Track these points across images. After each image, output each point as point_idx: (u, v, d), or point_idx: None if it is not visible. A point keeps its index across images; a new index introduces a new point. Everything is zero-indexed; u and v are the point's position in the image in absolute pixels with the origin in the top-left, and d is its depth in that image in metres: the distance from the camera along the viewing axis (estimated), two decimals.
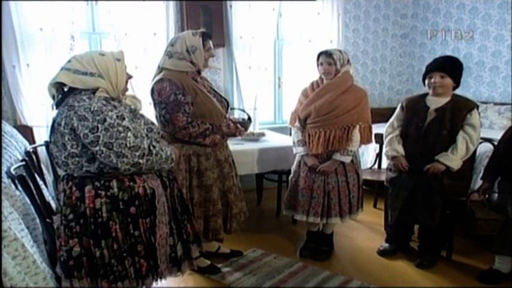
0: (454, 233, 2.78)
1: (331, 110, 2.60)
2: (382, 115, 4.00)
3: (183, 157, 2.37)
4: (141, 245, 1.74)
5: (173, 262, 1.86)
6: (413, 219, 2.68)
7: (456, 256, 2.80)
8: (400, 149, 2.63)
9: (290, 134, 2.90)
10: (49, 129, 1.78)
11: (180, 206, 1.96)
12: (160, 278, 1.83)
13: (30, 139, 3.17)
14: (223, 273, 2.61)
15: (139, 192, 1.73)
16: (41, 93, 3.21)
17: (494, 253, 2.49)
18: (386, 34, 5.01)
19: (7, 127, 2.53)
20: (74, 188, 1.69)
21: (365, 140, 2.68)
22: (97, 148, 1.58)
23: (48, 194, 2.27)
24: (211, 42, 2.43)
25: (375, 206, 3.80)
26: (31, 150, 2.49)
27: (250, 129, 3.24)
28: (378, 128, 3.21)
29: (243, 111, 3.48)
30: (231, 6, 3.98)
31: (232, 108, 3.95)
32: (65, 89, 1.72)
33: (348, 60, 2.66)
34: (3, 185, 1.69)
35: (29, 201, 1.83)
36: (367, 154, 4.09)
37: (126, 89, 1.84)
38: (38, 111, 3.33)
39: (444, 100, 2.53)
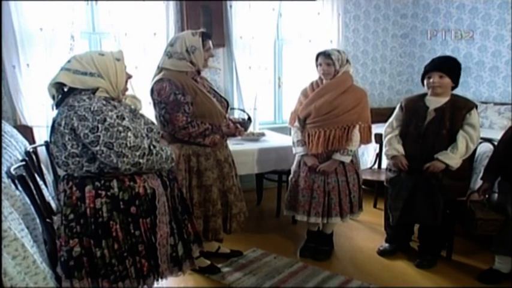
0: (454, 233, 2.78)
1: (331, 109, 2.60)
2: (382, 115, 3.99)
3: (182, 157, 2.37)
4: (142, 244, 1.74)
5: (174, 262, 1.86)
6: (415, 219, 2.68)
7: (456, 256, 2.80)
8: (400, 148, 2.63)
9: (290, 134, 2.90)
10: (49, 129, 1.78)
11: (181, 205, 1.96)
12: (161, 278, 1.83)
13: (30, 139, 3.17)
14: (223, 273, 2.61)
15: (140, 192, 1.73)
16: (41, 93, 3.21)
17: (494, 253, 2.49)
18: (386, 34, 5.01)
19: (7, 127, 2.53)
20: (74, 188, 1.69)
21: (365, 139, 2.68)
22: (97, 148, 1.58)
23: (48, 194, 2.27)
24: (210, 42, 2.43)
25: (375, 206, 3.80)
26: (31, 150, 2.49)
27: (250, 129, 3.24)
28: (377, 128, 3.21)
29: (243, 111, 3.48)
30: (231, 6, 3.98)
31: (232, 108, 3.95)
32: (65, 89, 1.72)
33: (347, 60, 2.66)
34: (3, 185, 1.69)
35: (29, 201, 1.83)
36: (367, 154, 4.09)
37: (126, 89, 1.84)
38: (38, 111, 3.33)
39: (443, 100, 2.54)
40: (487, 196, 2.60)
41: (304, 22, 4.28)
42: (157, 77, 2.36)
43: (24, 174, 1.86)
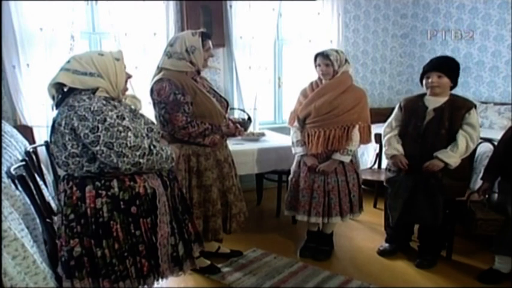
0: (454, 233, 2.78)
1: (330, 109, 2.60)
2: (382, 115, 3.99)
3: (182, 157, 2.37)
4: (143, 244, 1.74)
5: (175, 262, 1.86)
6: (415, 219, 2.68)
7: (456, 256, 2.80)
8: (400, 148, 2.63)
9: (290, 134, 2.90)
10: (49, 129, 1.78)
11: (181, 205, 1.96)
12: (162, 278, 1.83)
13: (30, 139, 3.17)
14: (223, 273, 2.61)
15: (140, 191, 1.73)
16: (41, 93, 3.21)
17: (494, 253, 2.49)
18: (386, 34, 5.01)
19: (7, 127, 2.53)
20: (74, 188, 1.69)
21: (364, 139, 2.68)
22: (97, 148, 1.58)
23: (48, 194, 2.27)
24: (210, 42, 2.43)
25: (375, 206, 3.80)
26: (31, 150, 2.49)
27: (250, 129, 3.24)
28: (378, 128, 3.21)
29: (243, 111, 3.48)
30: (231, 6, 3.98)
31: (232, 108, 3.95)
32: (65, 89, 1.72)
33: (346, 60, 2.66)
34: (3, 185, 1.70)
35: (29, 201, 1.83)
36: (367, 154, 4.09)
37: (126, 89, 1.84)
38: (38, 111, 3.33)
39: (442, 100, 2.54)
40: (487, 196, 2.60)
41: (304, 22, 4.28)
42: (157, 77, 2.36)
43: (24, 174, 1.86)
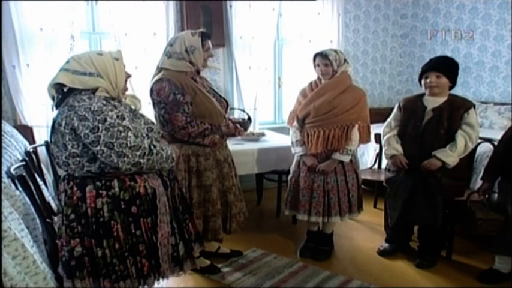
0: (454, 233, 2.78)
1: (330, 109, 2.60)
2: (382, 115, 3.99)
3: (182, 157, 2.37)
4: (143, 244, 1.74)
5: (175, 261, 1.86)
6: (415, 220, 2.68)
7: (456, 256, 2.80)
8: (399, 148, 2.64)
9: (289, 134, 2.90)
10: (49, 129, 1.78)
11: (181, 205, 1.96)
12: (163, 278, 1.83)
13: (30, 139, 3.17)
14: (223, 273, 2.61)
15: (141, 191, 1.73)
16: (41, 93, 3.20)
17: (494, 253, 2.49)
18: (386, 34, 5.01)
19: (7, 127, 2.53)
20: (75, 188, 1.69)
21: (364, 139, 2.69)
22: (98, 148, 1.59)
23: (48, 194, 2.27)
24: (210, 42, 2.43)
25: (375, 206, 3.80)
26: (31, 150, 2.49)
27: (250, 129, 3.24)
28: (378, 128, 3.21)
29: (243, 111, 3.48)
30: (231, 6, 3.98)
31: (232, 108, 3.95)
32: (65, 90, 1.72)
33: (345, 60, 2.66)
34: (3, 185, 1.70)
35: (29, 201, 1.83)
36: (367, 154, 4.09)
37: (126, 89, 1.84)
38: (38, 111, 3.33)
39: (441, 100, 2.54)
40: (487, 196, 2.60)
41: (304, 22, 4.28)
42: (156, 77, 2.36)
43: (24, 174, 1.86)
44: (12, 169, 1.83)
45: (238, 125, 2.56)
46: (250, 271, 2.64)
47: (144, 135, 1.71)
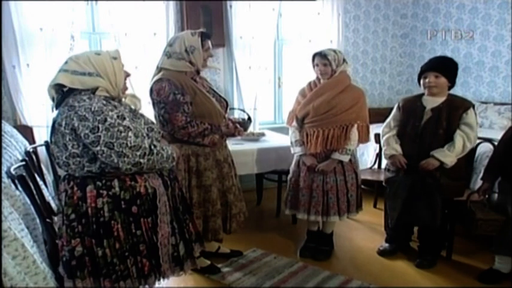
0: (454, 233, 2.78)
1: (329, 109, 2.61)
2: (382, 115, 3.98)
3: (182, 157, 2.37)
4: (143, 244, 1.74)
5: (175, 261, 1.86)
6: (414, 220, 2.68)
7: (456, 256, 2.80)
8: (398, 148, 2.64)
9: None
10: (49, 129, 1.78)
11: (182, 205, 1.96)
12: (163, 278, 1.83)
13: (30, 139, 3.17)
14: (223, 273, 2.61)
15: (141, 191, 1.73)
16: (41, 93, 3.21)
17: (494, 253, 2.49)
18: (386, 34, 5.01)
19: (7, 127, 2.53)
20: (75, 188, 1.69)
21: (363, 139, 2.69)
22: (98, 148, 1.59)
23: (48, 194, 2.27)
24: (210, 42, 2.43)
25: (375, 206, 3.80)
26: (31, 150, 2.49)
27: (250, 129, 3.24)
28: (378, 128, 3.21)
29: (243, 111, 3.48)
30: (231, 6, 3.98)
31: (232, 108, 3.95)
32: (64, 90, 1.71)
33: (344, 60, 2.67)
34: (3, 185, 1.70)
35: (29, 201, 1.83)
36: (367, 154, 4.09)
37: (125, 88, 1.84)
38: (38, 111, 3.33)
39: (440, 100, 2.54)
40: (487, 196, 2.60)
41: (304, 22, 4.28)
42: (156, 77, 2.36)
43: (24, 174, 1.86)
44: (12, 169, 1.83)
45: (238, 125, 2.56)
46: (250, 271, 2.64)
47: (145, 135, 1.71)
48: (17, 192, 1.80)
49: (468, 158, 2.71)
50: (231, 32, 4.03)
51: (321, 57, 2.62)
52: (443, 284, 2.51)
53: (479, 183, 2.70)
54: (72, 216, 1.69)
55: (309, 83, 2.77)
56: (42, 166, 2.64)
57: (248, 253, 2.88)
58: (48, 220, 1.85)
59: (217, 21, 3.99)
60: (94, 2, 3.59)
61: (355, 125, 2.62)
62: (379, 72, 5.08)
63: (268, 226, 3.48)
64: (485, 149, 2.96)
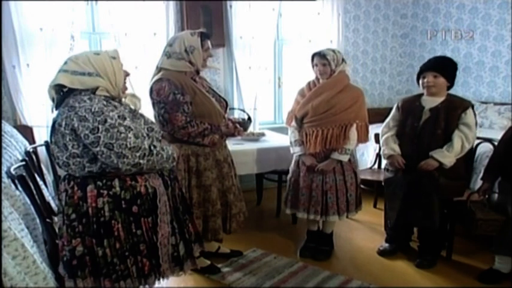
0: (454, 233, 2.78)
1: (328, 108, 2.61)
2: (382, 115, 3.97)
3: (182, 157, 2.37)
4: (143, 244, 1.74)
5: (175, 261, 1.86)
6: (411, 220, 2.68)
7: (456, 256, 2.80)
8: (396, 148, 2.64)
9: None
10: (49, 129, 1.78)
11: (182, 205, 1.96)
12: (163, 278, 1.83)
13: (30, 139, 3.18)
14: (223, 273, 2.61)
15: (141, 191, 1.73)
16: (41, 93, 3.21)
17: (494, 253, 2.49)
18: (386, 34, 5.01)
19: (7, 127, 2.53)
20: (75, 188, 1.69)
21: (362, 138, 2.69)
22: (98, 149, 1.59)
23: (48, 194, 2.27)
24: (209, 42, 2.43)
25: (375, 206, 3.80)
26: (31, 150, 2.50)
27: (250, 129, 3.24)
28: (377, 128, 3.21)
29: (243, 111, 3.48)
30: (231, 6, 3.98)
31: (232, 108, 3.95)
32: (65, 90, 1.71)
33: (343, 60, 2.67)
34: (3, 185, 1.70)
35: (29, 201, 1.83)
36: (367, 154, 4.09)
37: (125, 88, 1.84)
38: (38, 111, 3.33)
39: (439, 100, 2.54)
40: (487, 196, 2.60)
41: (304, 22, 4.27)
42: (156, 77, 2.36)
43: (24, 174, 1.87)
44: (12, 169, 1.83)
45: (237, 125, 2.56)
46: (250, 271, 2.64)
47: (145, 135, 1.71)
48: (17, 192, 1.80)
49: (468, 158, 2.71)
50: (231, 32, 4.03)
51: (320, 57, 2.62)
52: (443, 284, 2.51)
53: (479, 183, 2.70)
54: (73, 216, 1.69)
55: (308, 83, 2.78)
56: (42, 166, 2.65)
57: (248, 253, 2.88)
58: (48, 220, 1.85)
59: (217, 21, 3.99)
60: (94, 2, 3.59)
61: (354, 125, 2.62)
62: (379, 72, 5.08)
63: (268, 226, 3.48)
64: (485, 149, 2.96)
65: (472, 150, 2.85)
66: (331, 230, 2.91)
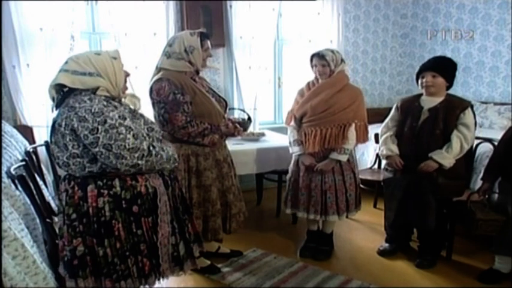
0: (454, 233, 2.78)
1: (327, 108, 2.61)
2: (382, 115, 3.97)
3: (181, 157, 2.37)
4: (144, 244, 1.74)
5: (175, 261, 1.86)
6: (408, 221, 2.68)
7: (456, 256, 2.80)
8: (395, 148, 2.64)
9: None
10: (49, 129, 1.78)
11: (182, 205, 1.96)
12: (163, 277, 1.83)
13: (30, 139, 3.17)
14: (223, 273, 2.61)
15: (142, 191, 1.73)
16: (41, 93, 3.21)
17: (494, 253, 2.49)
18: (386, 34, 5.01)
19: (7, 127, 2.53)
20: (76, 188, 1.69)
21: (361, 138, 2.69)
22: (97, 149, 1.59)
23: (48, 194, 2.27)
24: (209, 42, 2.43)
25: (375, 206, 3.80)
26: (31, 150, 2.50)
27: (250, 129, 3.24)
28: (378, 128, 3.21)
29: (243, 111, 3.48)
30: (231, 6, 3.98)
31: (232, 108, 3.95)
32: (65, 90, 1.72)
33: (342, 60, 2.67)
34: (3, 185, 1.70)
35: (29, 201, 1.83)
36: (367, 154, 4.09)
37: (125, 88, 1.84)
38: (38, 111, 3.33)
39: (438, 100, 2.54)
40: (487, 196, 2.60)
41: (304, 22, 4.27)
42: (156, 77, 2.36)
43: (24, 174, 1.87)
44: (12, 169, 1.83)
45: (237, 125, 2.56)
46: (250, 271, 2.64)
47: (144, 135, 1.71)
48: (17, 192, 1.80)
49: (468, 158, 2.70)
50: (231, 32, 4.03)
51: (319, 58, 2.62)
52: (443, 284, 2.51)
53: (479, 183, 2.70)
54: (74, 216, 1.69)
55: (308, 83, 2.78)
56: (42, 166, 2.65)
57: (248, 253, 2.88)
58: (48, 220, 1.85)
59: (217, 21, 3.99)
60: (94, 2, 3.59)
61: (353, 124, 2.62)
62: (379, 72, 5.08)
63: (268, 226, 3.48)
64: (485, 149, 2.96)
65: (472, 150, 2.85)
66: (331, 230, 2.91)
